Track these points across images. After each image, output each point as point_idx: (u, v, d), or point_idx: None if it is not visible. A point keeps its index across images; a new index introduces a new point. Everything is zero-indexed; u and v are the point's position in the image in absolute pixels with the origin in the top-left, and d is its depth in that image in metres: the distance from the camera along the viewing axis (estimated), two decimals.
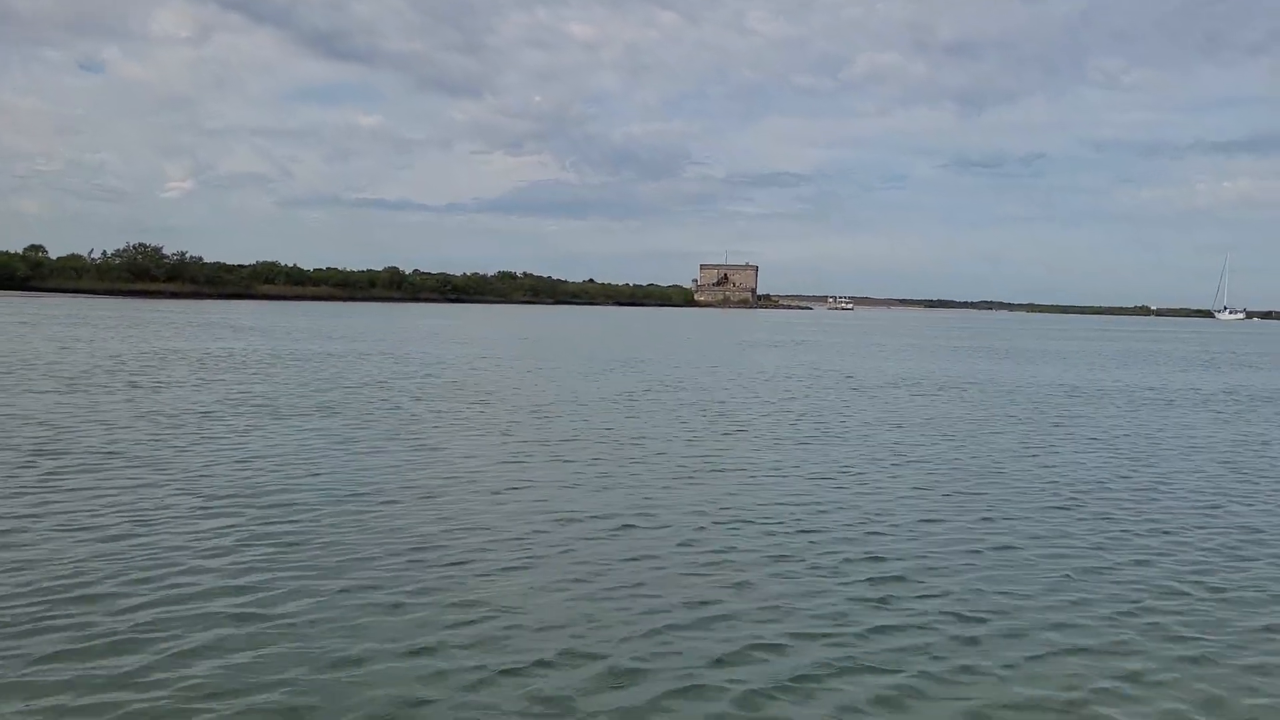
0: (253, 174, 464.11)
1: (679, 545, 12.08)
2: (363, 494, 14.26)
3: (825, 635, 9.13)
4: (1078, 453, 20.78)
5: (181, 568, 10.41)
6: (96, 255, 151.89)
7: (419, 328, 74.97)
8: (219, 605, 9.34)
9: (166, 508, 13.01)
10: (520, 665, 8.18)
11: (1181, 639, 9.39)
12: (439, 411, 24.25)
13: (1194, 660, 8.90)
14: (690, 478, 16.55)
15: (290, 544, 11.44)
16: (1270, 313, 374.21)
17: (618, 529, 12.74)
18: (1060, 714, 7.80)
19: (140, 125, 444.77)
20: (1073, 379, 43.25)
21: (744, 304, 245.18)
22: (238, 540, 11.54)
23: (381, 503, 13.75)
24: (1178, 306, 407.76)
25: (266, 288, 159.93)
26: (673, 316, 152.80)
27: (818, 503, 14.81)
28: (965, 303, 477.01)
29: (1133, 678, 8.41)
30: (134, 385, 27.58)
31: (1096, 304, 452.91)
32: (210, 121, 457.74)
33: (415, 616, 9.22)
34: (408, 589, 9.97)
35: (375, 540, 11.73)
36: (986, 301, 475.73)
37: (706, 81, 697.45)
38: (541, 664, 8.24)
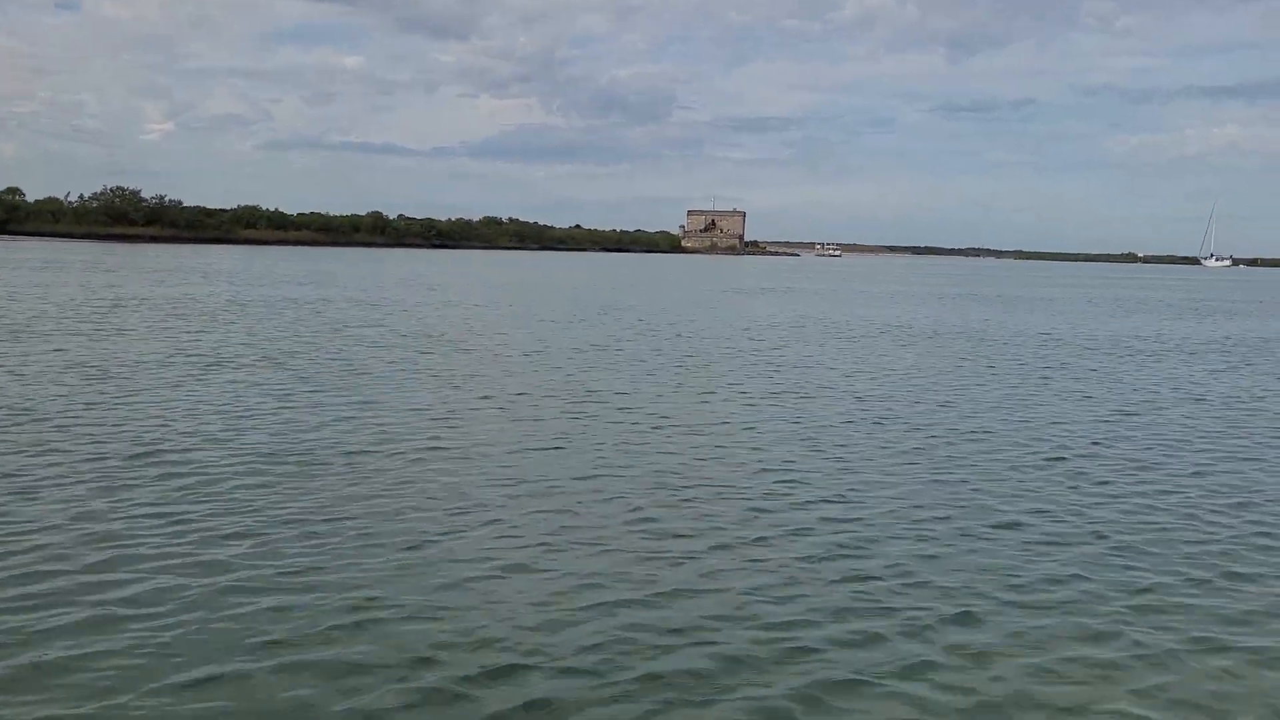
0: (233, 116, 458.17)
1: (622, 517, 10.84)
2: (281, 456, 12.96)
3: (773, 627, 7.90)
4: (1067, 408, 19.59)
5: (35, 547, 9.07)
6: (74, 198, 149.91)
7: (396, 273, 73.36)
8: (48, 591, 8.04)
9: (53, 470, 11.70)
10: (395, 663, 6.94)
11: (1179, 626, 8.19)
12: (393, 362, 22.92)
13: (1197, 650, 7.73)
14: (649, 438, 15.30)
15: (173, 516, 10.09)
16: (1256, 260, 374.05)
17: (555, 499, 11.47)
18: (1048, 711, 6.69)
19: (117, 65, 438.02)
20: (1061, 328, 42.05)
21: (731, 250, 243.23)
22: (117, 510, 10.21)
23: (298, 466, 12.45)
24: (1164, 254, 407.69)
25: (248, 232, 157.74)
26: (658, 263, 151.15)
27: (786, 466, 13.57)
28: (954, 249, 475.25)
29: (1128, 667, 7.25)
30: (76, 334, 26.15)
31: (1084, 251, 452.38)
32: (188, 61, 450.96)
33: (286, 603, 7.92)
34: (291, 572, 8.66)
35: (275, 512, 10.43)
36: (975, 248, 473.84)
37: (693, 24, 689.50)
38: (423, 661, 7.04)
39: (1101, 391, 22.13)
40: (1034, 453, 15.00)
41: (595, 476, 12.55)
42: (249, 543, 9.39)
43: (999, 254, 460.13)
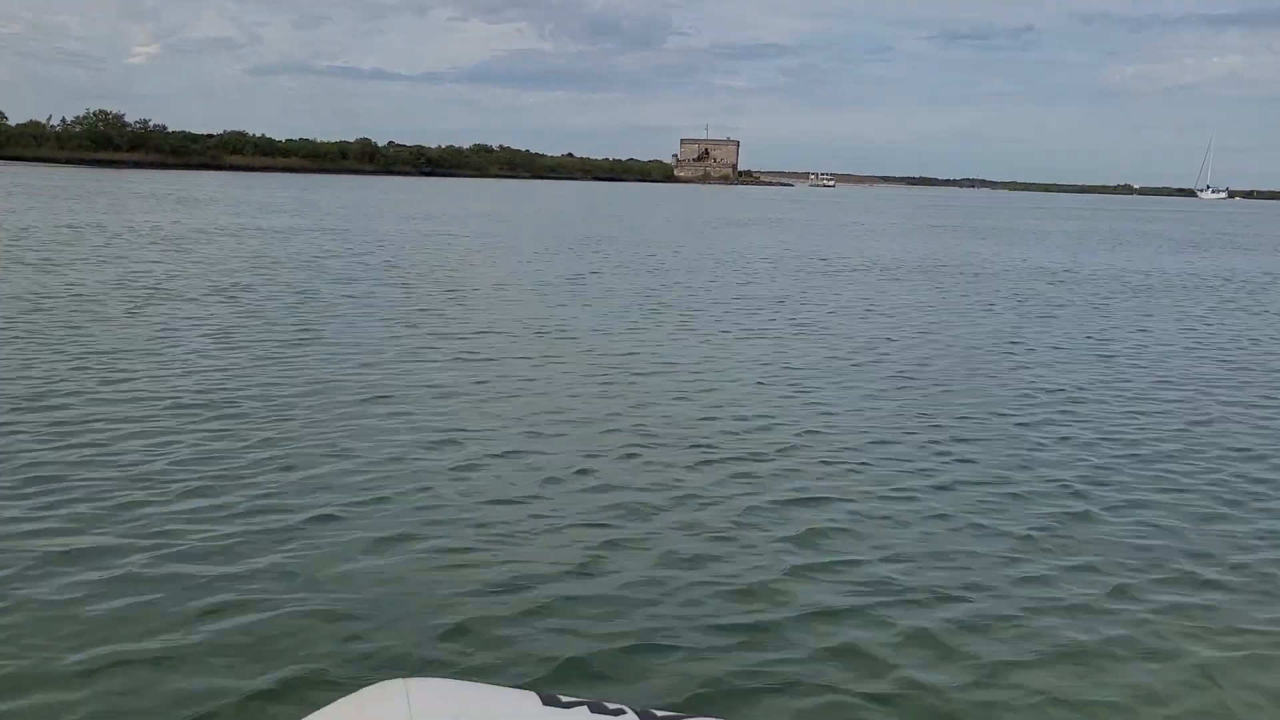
0: (221, 39, 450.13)
1: (560, 473, 9.61)
2: (193, 402, 11.66)
3: (706, 608, 6.72)
4: (1061, 351, 18.33)
5: None
6: (57, 123, 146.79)
7: (379, 202, 71.57)
8: None
9: None
10: (251, 665, 5.70)
11: (1159, 614, 7.06)
12: (349, 296, 21.55)
13: (1188, 667, 6.61)
14: (606, 384, 14.03)
15: (36, 473, 8.75)
16: (1252, 192, 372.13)
17: (482, 458, 10.15)
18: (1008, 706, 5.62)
19: None
20: (1060, 262, 40.65)
21: (725, 180, 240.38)
22: None
23: (208, 415, 11.14)
24: (1160, 185, 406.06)
25: (234, 158, 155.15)
26: (650, 192, 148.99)
27: (748, 418, 12.30)
28: (948, 180, 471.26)
29: (1102, 657, 6.13)
30: (19, 264, 24.72)
31: (1080, 182, 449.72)
32: None
33: (135, 578, 6.66)
34: (152, 544, 7.40)
35: (162, 468, 9.14)
36: (969, 179, 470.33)
37: None
38: (286, 665, 5.82)
39: (1102, 332, 20.87)
40: (1025, 404, 13.76)
41: (538, 428, 11.29)
42: (110, 505, 8.12)
43: (993, 185, 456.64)
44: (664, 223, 62.29)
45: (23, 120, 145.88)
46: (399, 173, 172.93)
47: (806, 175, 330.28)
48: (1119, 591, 7.40)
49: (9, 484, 8.54)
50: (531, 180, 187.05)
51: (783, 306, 22.99)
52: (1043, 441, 11.58)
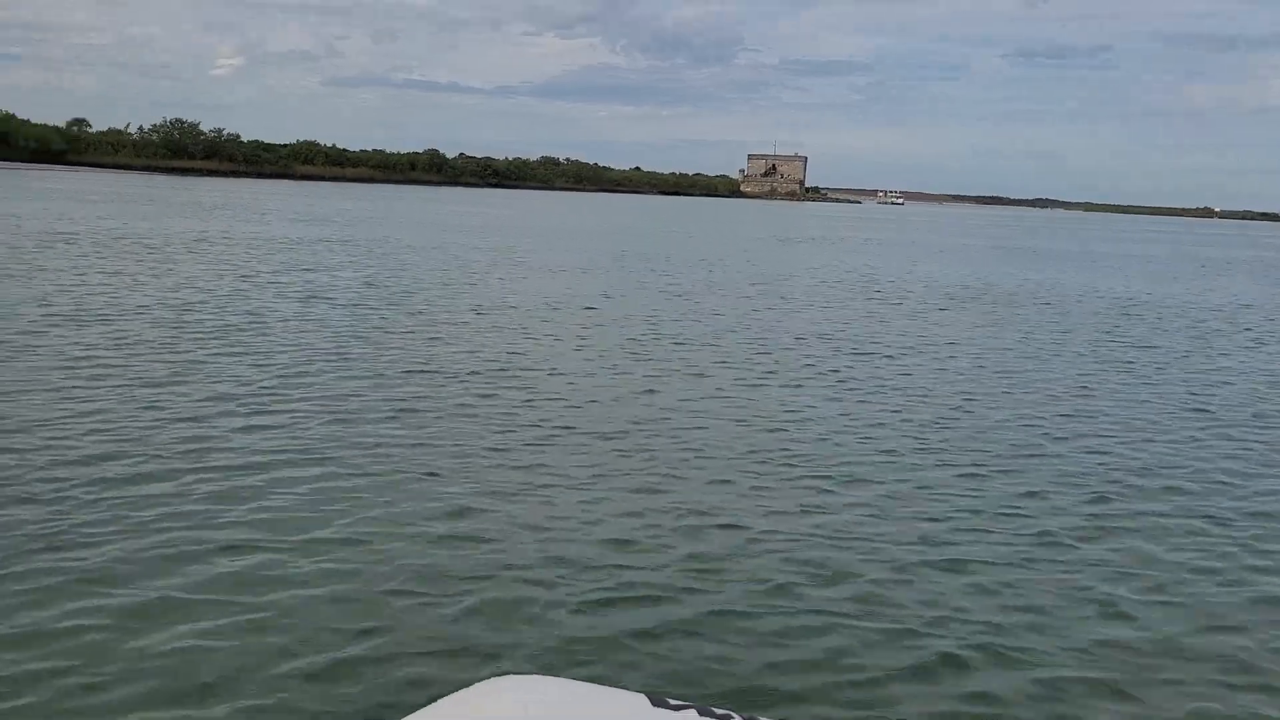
0: (301, 52, 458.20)
1: (452, 555, 6.34)
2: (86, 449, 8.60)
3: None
4: (1149, 417, 14.51)
5: None
6: (135, 131, 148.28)
7: (424, 214, 69.20)
8: None
9: None
10: None
11: None
12: (285, 321, 18.23)
13: None
14: (560, 436, 10.70)
15: None
16: None
17: (393, 524, 6.98)
18: None
19: None
20: (1139, 293, 36.31)
21: (791, 196, 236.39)
22: None
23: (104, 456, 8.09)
24: (1242, 209, 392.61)
25: (305, 168, 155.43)
26: (714, 207, 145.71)
27: (714, 499, 8.92)
28: (1020, 200, 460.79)
29: None
30: None
31: (1156, 204, 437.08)
32: None
33: None
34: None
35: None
36: (1042, 199, 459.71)
37: None
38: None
39: (1194, 393, 16.88)
40: (1099, 494, 10.11)
41: (448, 501, 7.99)
42: None
43: (1067, 205, 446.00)
44: (718, 240, 58.71)
45: (105, 129, 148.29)
46: (465, 184, 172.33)
47: (875, 192, 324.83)
48: None
49: None
50: (596, 193, 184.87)
51: (807, 343, 19.32)
52: (1123, 563, 7.96)
